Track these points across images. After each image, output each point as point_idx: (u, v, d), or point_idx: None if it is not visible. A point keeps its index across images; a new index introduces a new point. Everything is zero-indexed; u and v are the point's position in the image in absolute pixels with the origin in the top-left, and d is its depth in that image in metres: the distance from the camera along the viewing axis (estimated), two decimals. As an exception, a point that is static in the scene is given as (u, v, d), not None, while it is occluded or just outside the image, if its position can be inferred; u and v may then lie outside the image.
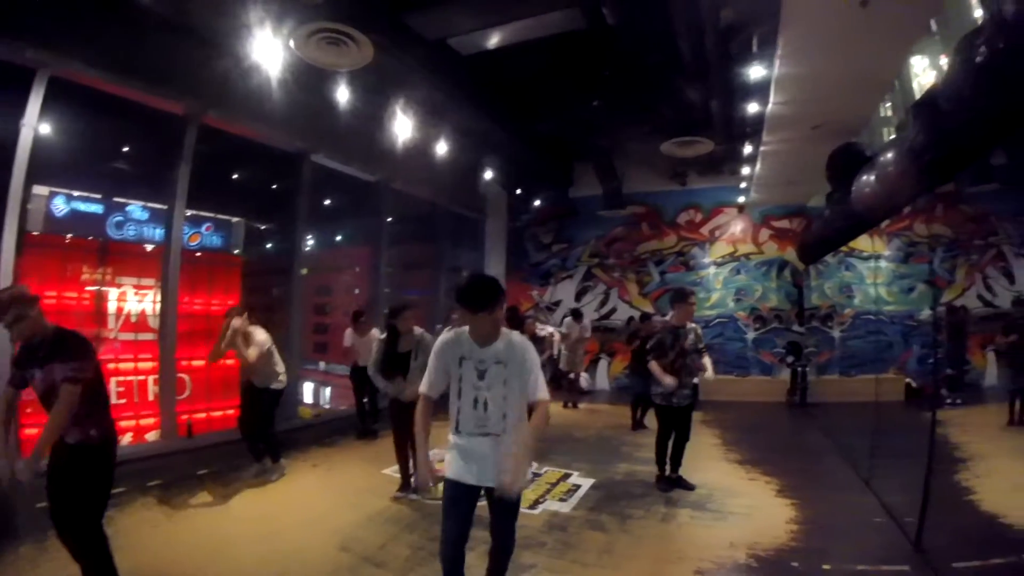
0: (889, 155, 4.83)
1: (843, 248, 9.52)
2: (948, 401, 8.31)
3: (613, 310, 12.41)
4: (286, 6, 4.89)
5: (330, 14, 4.70)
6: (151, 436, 8.39)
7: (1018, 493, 4.87)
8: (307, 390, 13.42)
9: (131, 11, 5.39)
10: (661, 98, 7.81)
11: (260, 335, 5.39)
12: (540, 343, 8.90)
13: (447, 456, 2.81)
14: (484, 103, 8.45)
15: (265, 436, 5.56)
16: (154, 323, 8.75)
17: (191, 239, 9.68)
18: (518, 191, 12.70)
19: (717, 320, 11.50)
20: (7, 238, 5.02)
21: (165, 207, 6.77)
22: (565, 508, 4.82)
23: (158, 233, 9.35)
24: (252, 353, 5.26)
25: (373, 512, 4.65)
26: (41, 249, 7.74)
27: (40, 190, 8.06)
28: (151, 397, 8.68)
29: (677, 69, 6.84)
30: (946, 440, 6.42)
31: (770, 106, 6.21)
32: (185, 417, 7.46)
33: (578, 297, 12.59)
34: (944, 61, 5.60)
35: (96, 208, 9.12)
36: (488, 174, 10.79)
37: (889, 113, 7.57)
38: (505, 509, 2.78)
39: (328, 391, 14.62)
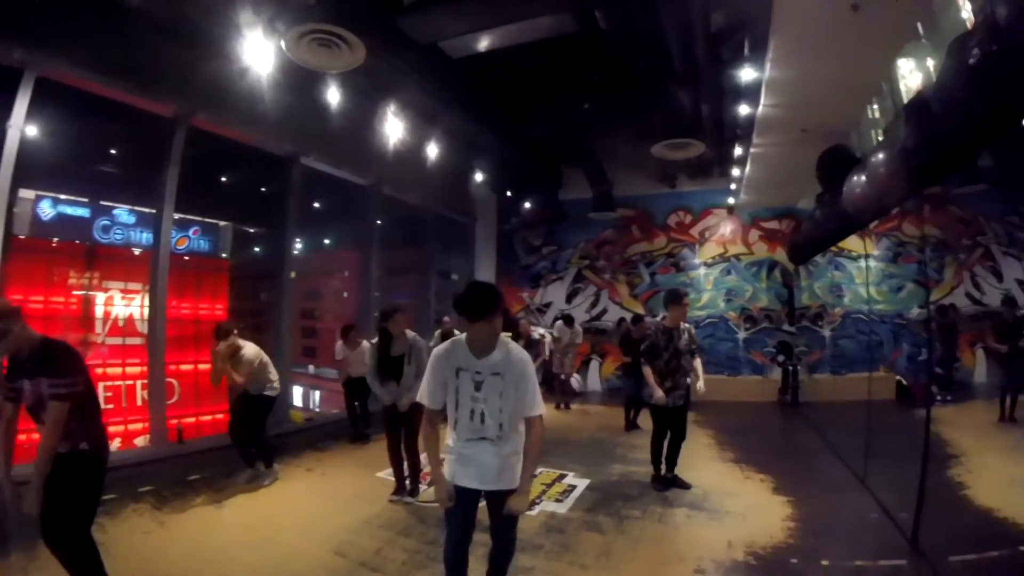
0: (880, 156, 4.88)
1: (832, 248, 9.59)
2: (938, 399, 8.39)
3: (604, 311, 12.42)
4: (277, 7, 4.86)
5: (322, 16, 4.68)
6: (140, 441, 8.30)
7: (1011, 488, 4.92)
8: (296, 394, 13.36)
9: (120, 11, 5.34)
10: (651, 101, 7.83)
11: (249, 352, 5.37)
12: (535, 346, 8.91)
13: (446, 460, 2.79)
14: (474, 107, 8.45)
15: (257, 441, 5.52)
16: (142, 327, 8.66)
17: (178, 243, 9.62)
18: (508, 194, 12.70)
19: (708, 320, 11.54)
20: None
21: (152, 211, 6.69)
22: (562, 509, 4.81)
23: (145, 237, 9.27)
24: (240, 377, 5.30)
25: (367, 516, 4.60)
26: (28, 253, 7.65)
27: (26, 194, 7.97)
28: (139, 402, 8.59)
29: (667, 73, 6.86)
30: (938, 437, 6.46)
31: (761, 108, 6.24)
32: (175, 422, 7.36)
33: (569, 299, 12.62)
34: (931, 64, 5.65)
35: (83, 212, 9.03)
36: (478, 177, 10.78)
37: (877, 115, 7.64)
38: (504, 514, 2.75)
39: (317, 395, 14.58)
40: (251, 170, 9.75)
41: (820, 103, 6.07)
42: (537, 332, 9.61)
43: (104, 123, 7.54)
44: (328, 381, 14.22)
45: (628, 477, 5.77)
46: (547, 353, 9.45)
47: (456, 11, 6.05)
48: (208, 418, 9.70)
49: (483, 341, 2.62)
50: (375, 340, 5.04)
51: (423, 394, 2.75)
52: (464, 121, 8.58)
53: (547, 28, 6.74)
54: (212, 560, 3.77)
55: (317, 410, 13.46)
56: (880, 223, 10.26)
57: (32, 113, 5.22)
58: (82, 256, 8.51)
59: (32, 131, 5.55)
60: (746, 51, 6.09)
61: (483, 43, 7.11)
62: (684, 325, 5.29)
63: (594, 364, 12.30)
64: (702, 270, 11.92)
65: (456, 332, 8.73)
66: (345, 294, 14.34)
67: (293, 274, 8.63)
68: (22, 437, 3.16)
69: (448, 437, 2.80)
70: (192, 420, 9.34)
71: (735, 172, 9.72)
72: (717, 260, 11.92)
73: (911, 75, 6.24)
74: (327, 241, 15.70)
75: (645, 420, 7.79)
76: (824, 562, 3.78)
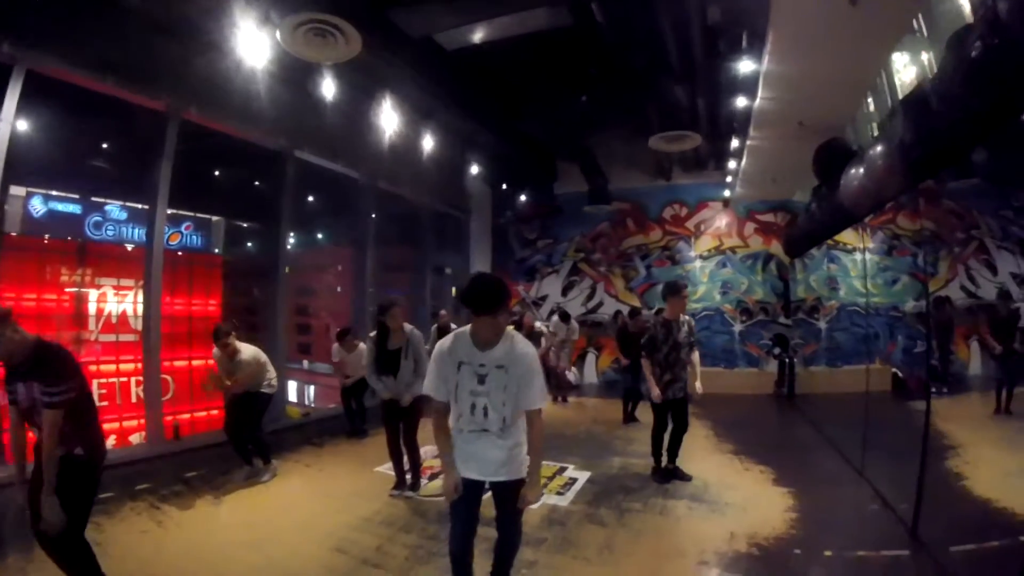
0: (878, 149, 4.90)
1: (828, 241, 9.63)
2: (933, 391, 8.44)
3: (600, 304, 12.41)
4: (271, -1, 4.79)
5: (317, 6, 4.61)
6: (135, 438, 8.25)
7: (1009, 479, 4.95)
8: (291, 389, 13.31)
9: (110, 3, 5.24)
10: (647, 95, 7.80)
11: (247, 355, 5.34)
12: (535, 339, 8.90)
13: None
14: (469, 100, 8.39)
15: (253, 439, 5.49)
16: (135, 324, 8.60)
17: (171, 239, 9.52)
18: (504, 188, 12.65)
19: (704, 313, 11.53)
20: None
21: (144, 207, 6.62)
22: (563, 502, 4.80)
23: (137, 233, 9.19)
24: (243, 378, 5.29)
25: (368, 513, 4.57)
26: (19, 251, 7.57)
27: (17, 191, 7.87)
28: (134, 399, 8.54)
29: (664, 66, 6.84)
30: (935, 429, 6.48)
31: (758, 102, 6.23)
32: (171, 419, 7.32)
33: (564, 292, 12.59)
34: (925, 58, 5.67)
35: (74, 208, 8.94)
36: (473, 171, 10.73)
37: (871, 109, 7.66)
38: (510, 503, 2.76)
39: (312, 390, 14.54)
40: (244, 165, 9.66)
41: (817, 96, 6.06)
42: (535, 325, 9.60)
43: (95, 118, 7.45)
44: (322, 377, 14.19)
45: (627, 470, 5.77)
46: (544, 347, 9.45)
47: (450, 4, 6.00)
48: (203, 414, 9.65)
49: (488, 334, 2.60)
50: (373, 334, 5.01)
51: (429, 387, 2.74)
52: (459, 115, 8.52)
53: (542, 21, 6.70)
54: (211, 559, 3.74)
55: (312, 406, 13.40)
56: (875, 216, 10.32)
57: (22, 108, 5.14)
58: (74, 253, 8.43)
59: (22, 126, 5.48)
60: (744, 44, 6.07)
61: (478, 35, 7.07)
62: (683, 317, 5.28)
63: (590, 357, 12.29)
64: (697, 263, 11.93)
65: (453, 326, 8.74)
66: (339, 288, 14.30)
67: (286, 269, 8.58)
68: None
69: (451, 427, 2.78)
70: (187, 417, 9.29)
71: (731, 165, 9.72)
72: (712, 253, 11.91)
73: (905, 69, 6.27)
74: (320, 237, 15.61)
75: (643, 413, 7.82)
76: (827, 553, 3.80)
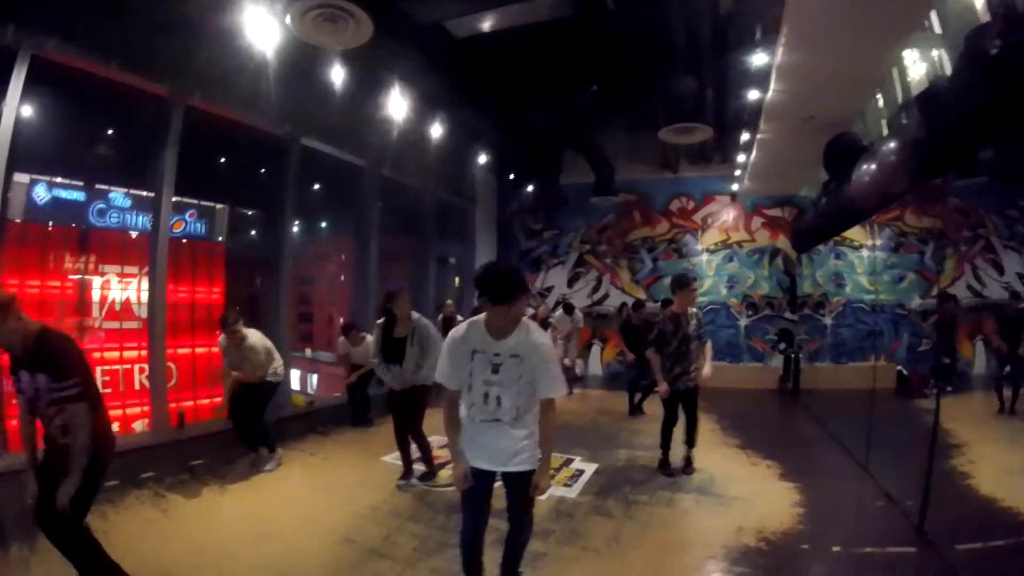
0: (891, 145, 4.87)
1: (835, 237, 9.60)
2: (935, 390, 8.41)
3: (605, 296, 12.39)
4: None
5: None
6: (138, 426, 8.25)
7: (1013, 479, 4.95)
8: (294, 378, 13.30)
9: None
10: (655, 86, 7.73)
11: (256, 341, 5.32)
12: (547, 329, 8.89)
13: (460, 441, 2.76)
14: (475, 89, 8.30)
15: (256, 428, 5.47)
16: (138, 311, 8.60)
17: (175, 226, 9.50)
18: (511, 178, 12.59)
19: (709, 307, 11.50)
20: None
21: (147, 194, 6.57)
22: (571, 494, 4.80)
23: (141, 221, 9.16)
24: (252, 369, 5.27)
25: (375, 502, 4.56)
26: (23, 238, 7.56)
27: (21, 178, 7.84)
28: (137, 386, 8.54)
29: (674, 57, 6.77)
30: (939, 428, 6.51)
31: (770, 94, 6.18)
32: (174, 406, 7.31)
33: (570, 283, 12.57)
34: (935, 54, 5.64)
35: (78, 196, 8.92)
36: (478, 161, 10.66)
37: (880, 105, 7.62)
38: (521, 495, 2.75)
39: (315, 378, 14.52)
40: (248, 152, 9.59)
41: (828, 90, 6.01)
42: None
43: (98, 105, 7.39)
44: (324, 365, 14.18)
45: (634, 462, 5.77)
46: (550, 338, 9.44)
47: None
48: (206, 402, 9.67)
49: (504, 323, 2.58)
50: (379, 321, 4.98)
51: (441, 375, 2.73)
52: (465, 103, 8.45)
53: (550, 9, 6.62)
54: (217, 547, 3.73)
55: (313, 392, 13.40)
56: (881, 213, 10.28)
57: (26, 95, 5.08)
58: (78, 240, 8.42)
59: (26, 112, 5.42)
60: (757, 36, 6.00)
61: (483, 24, 6.99)
62: (691, 310, 5.27)
63: (595, 349, 12.28)
64: (704, 257, 11.90)
65: (459, 318, 8.72)
66: (342, 277, 14.25)
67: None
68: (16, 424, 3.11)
69: (462, 417, 2.76)
70: (190, 404, 9.31)
71: (740, 159, 9.66)
72: (719, 247, 11.90)
73: (914, 66, 6.23)
74: (323, 225, 15.54)
75: (648, 406, 7.84)
76: (835, 548, 3.80)
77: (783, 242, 11.25)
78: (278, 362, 5.56)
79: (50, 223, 8.26)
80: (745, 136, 8.51)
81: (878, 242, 10.83)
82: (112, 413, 7.38)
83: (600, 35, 6.90)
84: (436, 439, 5.04)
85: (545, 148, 11.64)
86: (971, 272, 10.57)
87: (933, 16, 5.22)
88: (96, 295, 8.50)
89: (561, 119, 9.32)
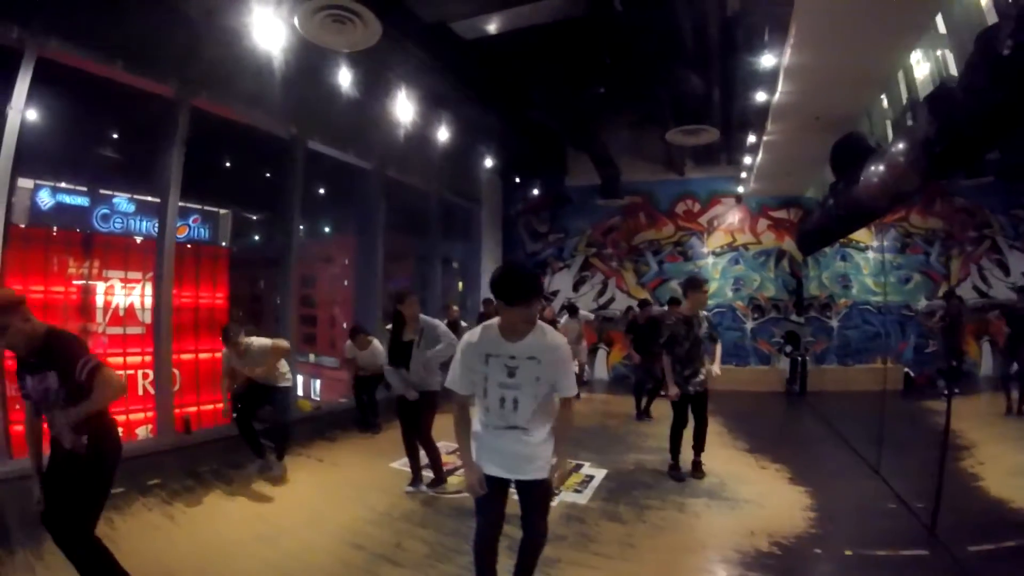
0: (900, 145, 4.87)
1: (841, 239, 9.58)
2: (946, 392, 8.39)
3: (611, 300, 12.35)
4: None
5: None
6: (141, 431, 8.23)
7: (1022, 479, 4.93)
8: (298, 382, 13.30)
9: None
10: (661, 87, 7.72)
11: (257, 344, 5.26)
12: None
13: (472, 447, 2.73)
14: (480, 89, 8.30)
15: (283, 434, 5.44)
16: (142, 317, 8.59)
17: (179, 231, 9.50)
18: (515, 180, 12.58)
19: (716, 310, 11.40)
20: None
21: (152, 199, 6.56)
22: (581, 499, 4.76)
23: (145, 225, 9.17)
24: (272, 363, 5.22)
25: (384, 508, 4.52)
26: (26, 242, 7.55)
27: (25, 183, 7.85)
28: (140, 391, 8.53)
29: (680, 58, 6.76)
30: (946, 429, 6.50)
31: (777, 95, 6.16)
32: (178, 411, 7.30)
33: (576, 287, 12.52)
34: (939, 54, 5.63)
35: (82, 201, 8.93)
36: (484, 162, 10.66)
37: (885, 105, 7.62)
38: (536, 502, 2.74)
39: (318, 383, 14.51)
40: (252, 154, 9.60)
41: (837, 90, 5.99)
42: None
43: (102, 107, 7.39)
44: (328, 370, 14.17)
45: (643, 466, 5.73)
46: None
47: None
48: (209, 407, 9.65)
49: (521, 325, 2.55)
50: (389, 326, 4.95)
51: (452, 380, 2.70)
52: (470, 104, 8.44)
53: (557, 10, 6.60)
54: (225, 554, 3.69)
55: (318, 399, 13.38)
56: (888, 213, 10.25)
57: (30, 97, 5.06)
58: (81, 245, 8.42)
59: (31, 115, 5.41)
60: (766, 37, 5.99)
61: (491, 25, 6.97)
62: (702, 313, 5.26)
63: (601, 353, 12.23)
64: (710, 259, 11.85)
65: (463, 324, 8.69)
66: (345, 282, 14.24)
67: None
68: (20, 428, 3.08)
69: (475, 423, 2.73)
70: (194, 409, 9.29)
71: (746, 160, 9.64)
72: (725, 249, 11.85)
73: (917, 66, 6.22)
74: (326, 228, 15.55)
75: (655, 409, 7.81)
76: (847, 552, 3.78)
77: (789, 244, 11.23)
78: (285, 367, 5.53)
79: (54, 228, 8.26)
80: (752, 137, 8.49)
81: (886, 243, 10.80)
82: (116, 419, 7.39)
83: (607, 35, 6.88)
84: (444, 444, 5.01)
85: (550, 149, 11.63)
86: (977, 272, 10.53)
87: (938, 17, 5.21)
88: (100, 300, 8.49)
89: (567, 119, 9.31)
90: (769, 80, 6.23)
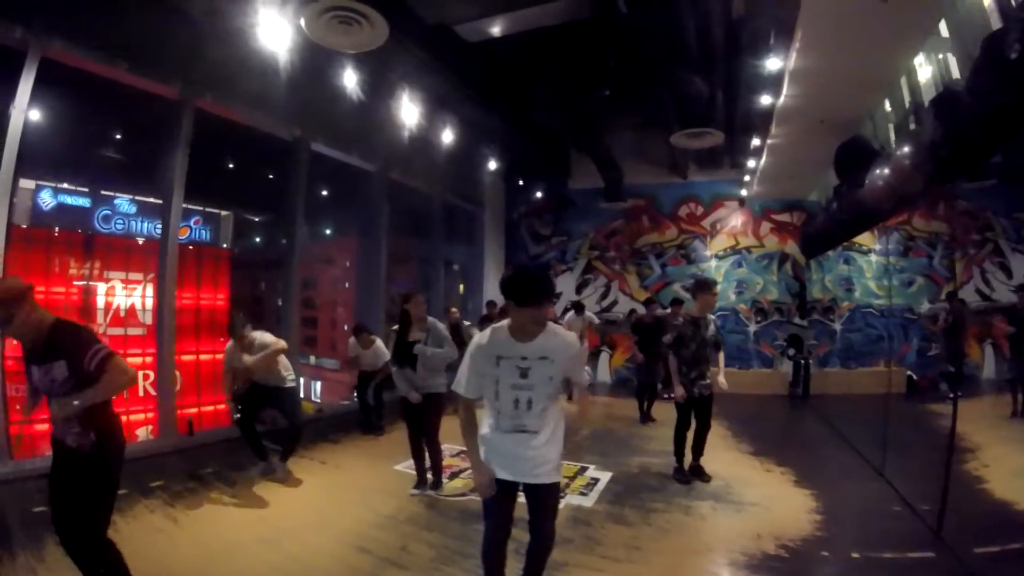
0: (906, 149, 4.88)
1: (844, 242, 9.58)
2: (951, 396, 8.37)
3: (614, 303, 12.35)
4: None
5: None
6: (141, 432, 8.20)
7: (1028, 481, 4.92)
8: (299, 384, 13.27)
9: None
10: (665, 90, 7.71)
11: (265, 339, 5.21)
12: None
13: (481, 451, 2.71)
14: (484, 92, 8.30)
15: (295, 435, 5.38)
16: (143, 318, 8.56)
17: (180, 232, 9.49)
18: (518, 183, 12.58)
19: (719, 312, 11.33)
20: (-3, 229, 4.79)
21: (154, 200, 6.53)
22: (587, 502, 4.75)
23: (146, 227, 9.16)
24: (261, 362, 5.11)
25: (390, 511, 4.49)
26: (28, 243, 7.52)
27: (26, 183, 7.83)
28: (140, 392, 8.49)
29: (685, 60, 6.76)
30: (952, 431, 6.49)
31: (782, 98, 6.17)
32: (181, 413, 7.27)
33: (579, 290, 12.51)
34: (940, 57, 5.64)
35: (83, 201, 8.91)
36: (487, 164, 10.64)
37: (887, 109, 7.63)
38: (544, 506, 2.72)
39: (319, 385, 14.45)
40: (255, 155, 9.58)
41: (841, 94, 6.01)
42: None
43: (106, 108, 7.38)
44: (328, 372, 14.13)
45: (648, 469, 5.72)
46: None
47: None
48: (210, 408, 9.61)
49: (532, 325, 2.55)
50: (394, 328, 4.92)
51: (460, 383, 2.69)
52: (473, 106, 8.43)
53: (562, 13, 6.60)
54: (229, 558, 3.66)
55: (318, 400, 13.34)
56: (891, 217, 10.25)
57: (34, 98, 5.04)
58: (83, 246, 8.38)
59: (34, 116, 5.39)
60: (771, 40, 5.99)
61: (495, 28, 6.97)
62: (710, 315, 5.25)
63: (603, 356, 12.22)
64: (713, 262, 11.86)
65: (466, 323, 8.67)
66: (347, 284, 14.21)
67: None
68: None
69: (484, 426, 2.72)
70: (195, 411, 9.26)
71: (750, 163, 9.64)
72: (728, 252, 11.87)
73: (920, 69, 6.24)
74: (327, 230, 15.51)
75: (658, 412, 7.80)
76: (854, 554, 3.78)
77: (792, 247, 11.26)
78: (289, 367, 5.50)
79: (56, 229, 8.24)
80: (756, 140, 8.50)
81: (890, 246, 10.81)
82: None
83: (611, 38, 6.88)
84: (448, 447, 4.99)
85: (554, 152, 11.63)
86: (979, 275, 10.54)
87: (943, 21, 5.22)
88: (101, 301, 8.45)
89: (570, 122, 9.31)
90: (774, 83, 6.24)
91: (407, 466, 5.21)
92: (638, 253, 12.31)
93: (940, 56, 5.59)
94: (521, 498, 2.72)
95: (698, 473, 5.33)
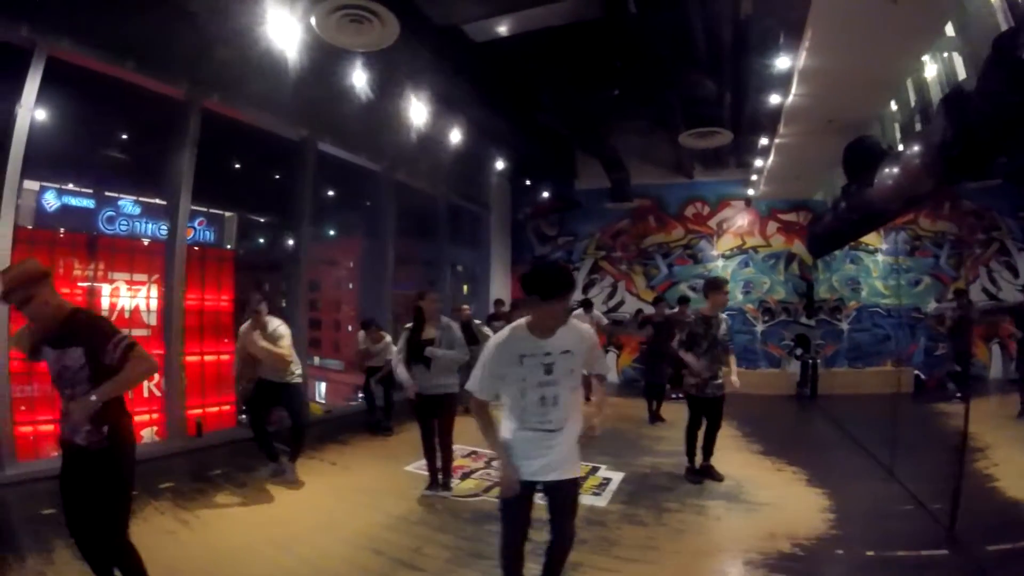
0: (915, 148, 4.87)
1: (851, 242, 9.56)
2: (958, 396, 8.34)
3: (621, 303, 12.35)
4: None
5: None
6: (146, 433, 8.17)
7: (1039, 480, 4.91)
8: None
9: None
10: (673, 89, 7.70)
11: (279, 327, 5.13)
12: None
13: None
14: (491, 92, 8.28)
15: (300, 433, 5.30)
16: (147, 319, 8.54)
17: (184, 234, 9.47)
18: (525, 184, 12.57)
19: (726, 312, 11.43)
20: (3, 229, 4.78)
21: (158, 201, 6.51)
22: (600, 502, 4.72)
23: (151, 228, 9.14)
24: (285, 345, 5.01)
25: (401, 512, 4.46)
26: (32, 244, 7.50)
27: (30, 184, 7.80)
28: (145, 394, 8.47)
29: (693, 60, 6.76)
30: (961, 431, 6.46)
31: (791, 98, 6.16)
32: (192, 413, 7.25)
33: (585, 290, 12.47)
34: (945, 55, 5.64)
35: (87, 203, 8.88)
36: (493, 166, 10.62)
37: (894, 108, 7.63)
38: (566, 504, 2.71)
39: (323, 386, 14.45)
40: (261, 156, 9.57)
41: (851, 93, 6.02)
42: None
43: (111, 108, 7.36)
44: (333, 373, 14.14)
45: (659, 469, 5.71)
46: None
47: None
48: (215, 409, 9.59)
49: (554, 320, 2.54)
50: (408, 326, 4.87)
51: (475, 385, 2.65)
52: (480, 107, 8.42)
53: (570, 12, 6.58)
54: (240, 560, 3.62)
55: (323, 402, 13.32)
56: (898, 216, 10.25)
57: (40, 97, 5.02)
58: (87, 247, 8.36)
59: (39, 116, 5.36)
60: (781, 40, 5.98)
61: (505, 27, 6.95)
62: (721, 315, 5.23)
63: (611, 356, 12.16)
64: (719, 262, 11.85)
65: (476, 322, 8.64)
66: (350, 285, 14.21)
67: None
68: (26, 429, 3.01)
69: (504, 430, 2.68)
70: (199, 412, 9.23)
71: (757, 163, 9.64)
72: (735, 252, 11.87)
73: (927, 68, 6.24)
74: (331, 231, 15.51)
75: (667, 413, 7.78)
76: (868, 553, 3.77)
77: (798, 247, 11.25)
78: (298, 364, 5.44)
79: (60, 230, 8.21)
80: (763, 140, 8.49)
81: (897, 246, 10.81)
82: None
83: (619, 38, 6.86)
84: (459, 448, 4.96)
85: (560, 153, 11.61)
86: (986, 275, 10.53)
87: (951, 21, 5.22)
88: (105, 302, 8.43)
89: (577, 123, 9.29)
90: (783, 83, 6.23)
91: (417, 467, 5.18)
92: (644, 253, 12.32)
93: (945, 55, 5.60)
94: (538, 499, 2.70)
95: (710, 473, 5.31)
